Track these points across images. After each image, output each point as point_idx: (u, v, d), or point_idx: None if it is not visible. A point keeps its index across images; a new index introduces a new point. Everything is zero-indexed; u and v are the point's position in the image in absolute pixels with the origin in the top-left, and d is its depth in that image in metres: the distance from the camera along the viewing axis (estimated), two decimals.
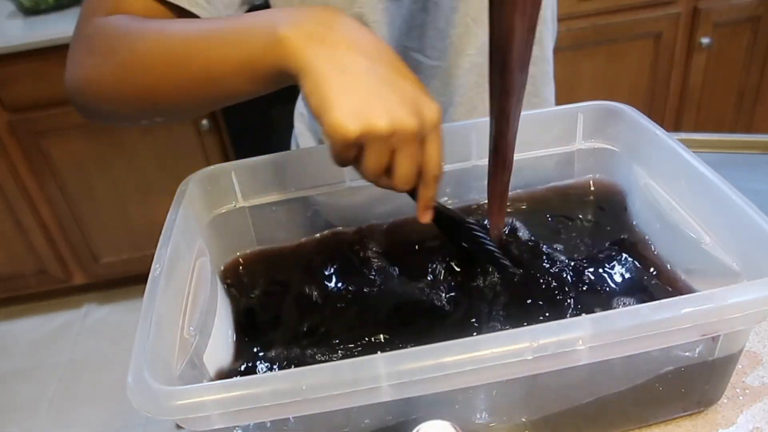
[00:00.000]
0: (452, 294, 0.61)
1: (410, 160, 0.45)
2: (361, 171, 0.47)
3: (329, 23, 0.44)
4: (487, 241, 0.60)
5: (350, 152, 0.45)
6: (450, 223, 0.60)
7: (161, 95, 0.51)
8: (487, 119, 0.71)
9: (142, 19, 0.53)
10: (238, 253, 0.69)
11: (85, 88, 0.54)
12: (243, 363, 0.57)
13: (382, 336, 0.57)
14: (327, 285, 0.64)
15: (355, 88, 0.42)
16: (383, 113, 0.42)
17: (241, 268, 0.68)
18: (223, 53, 0.46)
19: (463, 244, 0.61)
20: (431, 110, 0.44)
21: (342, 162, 0.46)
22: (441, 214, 0.57)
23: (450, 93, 0.78)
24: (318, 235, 0.71)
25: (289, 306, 0.63)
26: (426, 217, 0.52)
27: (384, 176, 0.47)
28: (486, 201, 0.72)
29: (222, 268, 0.68)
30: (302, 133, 0.87)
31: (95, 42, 0.54)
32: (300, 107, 0.86)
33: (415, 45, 0.74)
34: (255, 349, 0.59)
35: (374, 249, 0.68)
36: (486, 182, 0.61)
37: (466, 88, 0.78)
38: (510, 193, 0.73)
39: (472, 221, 0.61)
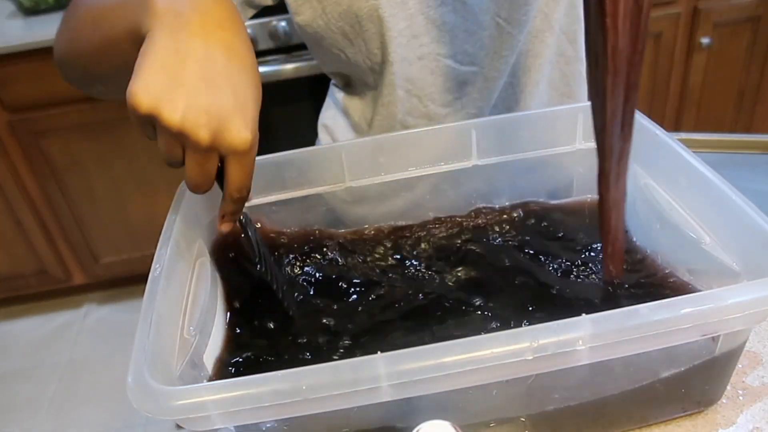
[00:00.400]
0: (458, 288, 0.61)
1: (197, 167, 0.44)
2: None
3: (200, 2, 0.44)
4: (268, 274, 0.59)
5: (141, 125, 0.43)
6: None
7: (87, 57, 0.54)
8: (488, 119, 0.71)
9: None
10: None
11: (55, 54, 0.61)
12: (240, 361, 0.57)
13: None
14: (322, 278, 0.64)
15: (172, 73, 0.41)
16: (179, 109, 0.41)
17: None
18: (119, 16, 0.48)
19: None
20: (235, 136, 0.43)
21: (139, 129, 0.45)
22: (245, 229, 0.56)
23: (486, 97, 0.75)
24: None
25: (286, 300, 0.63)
26: (223, 228, 0.52)
27: (178, 166, 0.46)
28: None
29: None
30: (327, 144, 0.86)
31: (65, 13, 0.60)
32: (324, 119, 0.85)
33: (445, 50, 0.71)
34: (252, 347, 0.59)
35: (378, 250, 0.68)
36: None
37: (501, 89, 0.76)
38: (509, 192, 0.73)
39: (262, 254, 0.59)
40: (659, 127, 0.63)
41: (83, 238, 1.98)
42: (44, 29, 1.67)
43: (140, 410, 0.40)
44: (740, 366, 0.57)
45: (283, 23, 1.62)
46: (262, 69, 1.65)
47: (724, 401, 0.54)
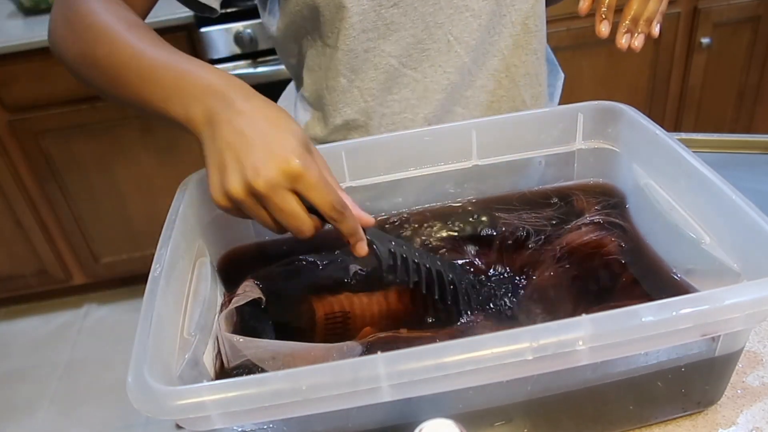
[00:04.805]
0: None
1: (281, 212, 0.50)
2: None
3: (228, 100, 0.52)
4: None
5: (237, 214, 0.52)
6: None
7: (104, 93, 0.61)
8: (488, 119, 0.72)
9: (110, 10, 0.60)
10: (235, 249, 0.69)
11: (56, 49, 0.64)
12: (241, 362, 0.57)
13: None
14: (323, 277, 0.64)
15: (220, 165, 0.50)
16: (234, 182, 0.49)
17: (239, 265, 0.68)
18: (150, 98, 0.55)
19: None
20: (284, 166, 0.49)
21: (237, 215, 0.53)
22: (373, 250, 0.56)
23: (424, 105, 0.77)
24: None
25: (287, 304, 0.63)
26: (359, 251, 0.55)
27: (280, 228, 0.52)
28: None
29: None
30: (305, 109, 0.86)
31: (70, 15, 0.62)
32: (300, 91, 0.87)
33: (390, 49, 0.74)
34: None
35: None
36: None
37: (436, 105, 0.77)
38: (509, 193, 0.74)
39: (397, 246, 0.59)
40: (659, 127, 0.63)
41: (83, 238, 1.98)
42: (44, 29, 1.66)
43: (140, 410, 0.40)
44: (740, 366, 0.57)
45: (249, 30, 1.64)
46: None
47: (724, 401, 0.54)
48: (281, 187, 0.49)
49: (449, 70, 0.76)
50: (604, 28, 0.64)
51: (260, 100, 0.53)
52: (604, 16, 0.64)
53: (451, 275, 0.60)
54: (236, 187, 0.49)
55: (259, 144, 0.49)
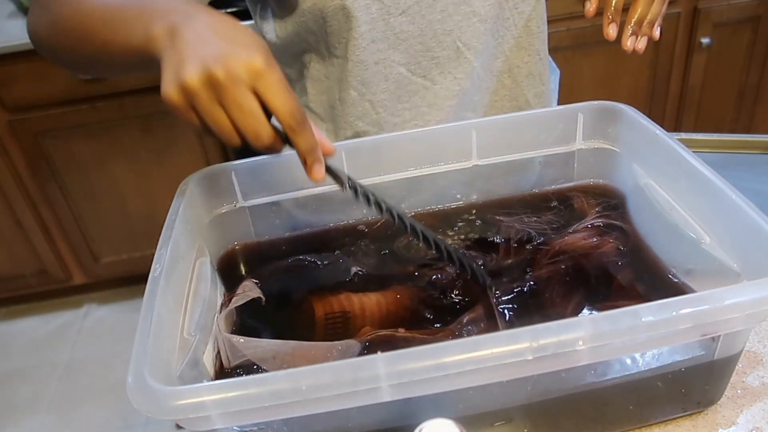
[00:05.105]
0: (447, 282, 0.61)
1: (239, 110, 0.47)
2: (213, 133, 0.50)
3: (190, 15, 0.50)
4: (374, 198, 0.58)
5: (187, 115, 0.48)
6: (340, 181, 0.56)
7: (78, 55, 0.60)
8: (488, 119, 0.72)
9: None
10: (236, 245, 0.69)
11: (32, 33, 0.64)
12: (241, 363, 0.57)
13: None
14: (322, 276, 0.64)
15: (177, 63, 0.47)
16: (191, 70, 0.46)
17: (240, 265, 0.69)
18: (115, 37, 0.54)
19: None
20: (246, 60, 0.46)
21: (192, 126, 0.50)
22: (333, 173, 0.54)
23: (435, 112, 0.77)
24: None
25: (287, 303, 0.63)
26: (316, 174, 0.52)
27: (235, 133, 0.49)
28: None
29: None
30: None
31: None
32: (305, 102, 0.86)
33: (399, 58, 0.73)
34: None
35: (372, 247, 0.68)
36: None
37: (447, 111, 0.77)
38: (509, 196, 0.74)
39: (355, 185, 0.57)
40: (659, 127, 0.63)
41: (83, 238, 1.98)
42: None
43: (140, 410, 0.40)
44: (740, 366, 0.57)
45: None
46: None
47: (724, 401, 0.54)
48: (242, 82, 0.46)
49: (459, 76, 0.76)
50: (612, 31, 0.65)
51: (224, 15, 0.51)
52: (611, 18, 0.64)
53: (410, 222, 0.58)
54: (192, 77, 0.46)
55: (222, 42, 0.47)
